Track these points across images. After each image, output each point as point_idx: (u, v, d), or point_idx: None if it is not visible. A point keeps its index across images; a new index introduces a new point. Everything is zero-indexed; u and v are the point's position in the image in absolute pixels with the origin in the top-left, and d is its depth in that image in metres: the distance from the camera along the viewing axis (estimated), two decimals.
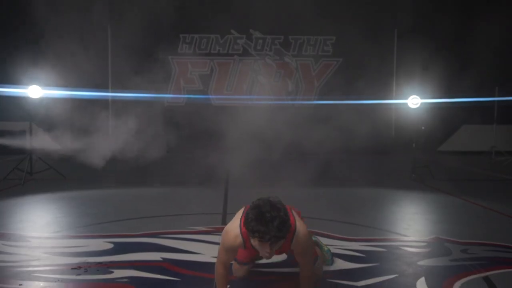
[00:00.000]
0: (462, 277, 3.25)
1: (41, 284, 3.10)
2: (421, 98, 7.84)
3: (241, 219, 2.67)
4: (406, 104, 7.95)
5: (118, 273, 3.29)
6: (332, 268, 3.35)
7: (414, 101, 7.84)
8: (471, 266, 3.46)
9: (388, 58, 10.93)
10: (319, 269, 3.17)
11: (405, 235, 4.35)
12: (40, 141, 7.27)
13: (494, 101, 10.13)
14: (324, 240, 3.78)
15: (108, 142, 6.98)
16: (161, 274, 3.29)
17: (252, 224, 2.40)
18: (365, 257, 3.72)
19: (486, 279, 3.23)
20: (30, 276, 3.22)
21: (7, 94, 7.30)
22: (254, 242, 2.50)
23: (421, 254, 3.78)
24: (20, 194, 6.02)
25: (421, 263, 3.56)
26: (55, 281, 3.14)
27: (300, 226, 2.71)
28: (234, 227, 2.72)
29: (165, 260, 3.59)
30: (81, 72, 9.26)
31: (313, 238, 3.34)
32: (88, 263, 3.47)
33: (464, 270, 3.40)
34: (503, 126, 10.54)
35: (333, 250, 3.66)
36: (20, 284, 3.08)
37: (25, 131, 7.52)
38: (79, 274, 3.26)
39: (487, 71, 9.93)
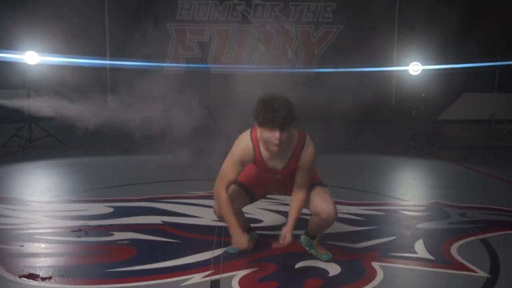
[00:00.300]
0: (460, 239, 3.28)
1: (42, 245, 3.13)
2: (422, 64, 7.77)
3: (251, 130, 2.74)
4: (407, 71, 7.88)
5: (118, 236, 3.31)
6: (331, 231, 3.36)
7: (415, 67, 7.77)
8: (469, 229, 3.49)
9: (389, 25, 10.76)
10: (332, 208, 2.78)
11: (404, 200, 4.38)
12: (38, 108, 7.22)
13: (495, 68, 10.02)
14: None
15: (106, 109, 6.92)
16: (161, 236, 3.32)
17: (261, 114, 2.51)
18: (364, 220, 3.74)
19: (483, 241, 3.26)
20: (31, 238, 3.24)
21: (3, 60, 7.19)
22: (264, 134, 2.55)
23: (420, 218, 3.81)
24: (19, 161, 6.02)
25: (419, 226, 3.59)
26: (56, 243, 3.16)
27: (309, 142, 2.76)
28: (244, 136, 2.77)
29: (165, 223, 3.61)
30: (78, 39, 9.16)
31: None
32: (88, 226, 3.49)
33: (462, 232, 3.43)
34: (503, 94, 10.47)
35: None
36: (21, 246, 3.10)
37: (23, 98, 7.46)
38: (79, 236, 3.28)
39: (489, 38, 9.82)
